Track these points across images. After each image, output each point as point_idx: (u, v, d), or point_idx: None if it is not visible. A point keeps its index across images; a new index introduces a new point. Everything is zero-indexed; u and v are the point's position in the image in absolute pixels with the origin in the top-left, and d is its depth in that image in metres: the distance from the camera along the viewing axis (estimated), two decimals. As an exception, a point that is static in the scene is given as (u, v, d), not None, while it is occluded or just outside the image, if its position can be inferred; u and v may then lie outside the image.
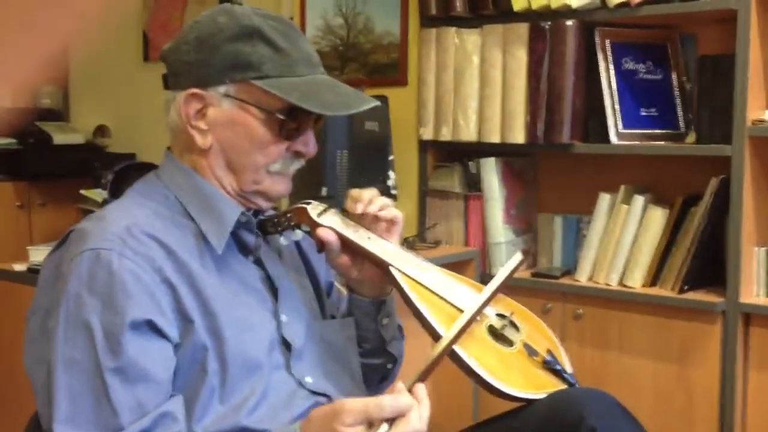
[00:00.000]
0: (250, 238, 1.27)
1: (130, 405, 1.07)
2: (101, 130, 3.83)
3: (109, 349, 1.07)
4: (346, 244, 1.29)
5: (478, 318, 1.29)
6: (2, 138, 3.53)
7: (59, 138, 3.63)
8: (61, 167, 3.55)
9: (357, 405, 1.03)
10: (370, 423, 1.03)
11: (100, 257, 1.10)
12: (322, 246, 1.29)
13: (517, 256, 1.38)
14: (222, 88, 1.19)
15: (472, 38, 2.57)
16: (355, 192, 1.32)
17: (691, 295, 2.30)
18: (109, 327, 1.08)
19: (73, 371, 1.07)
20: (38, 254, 2.09)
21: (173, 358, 1.13)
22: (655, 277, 2.37)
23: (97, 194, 2.42)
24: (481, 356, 1.23)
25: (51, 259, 1.19)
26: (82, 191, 2.53)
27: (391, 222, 1.32)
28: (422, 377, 1.11)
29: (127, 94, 3.72)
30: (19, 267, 2.06)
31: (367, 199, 1.30)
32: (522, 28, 2.47)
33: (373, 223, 1.31)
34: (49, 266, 1.18)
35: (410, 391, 1.07)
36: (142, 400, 1.07)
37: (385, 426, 1.02)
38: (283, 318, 1.25)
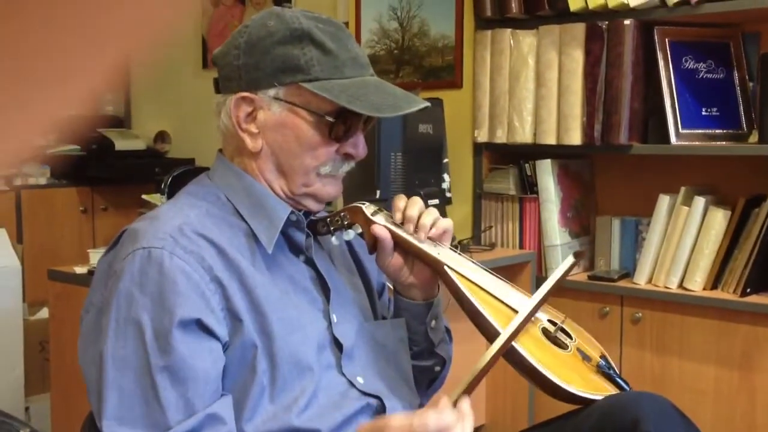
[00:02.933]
0: (301, 238, 1.27)
1: (178, 404, 1.08)
2: (161, 136, 3.91)
3: (158, 347, 1.08)
4: (399, 244, 1.29)
5: (532, 320, 1.28)
6: (66, 145, 3.63)
7: (121, 144, 3.71)
8: (123, 173, 3.63)
9: (401, 423, 1.05)
10: None
11: (151, 256, 1.12)
12: (374, 245, 1.29)
13: (569, 259, 1.36)
14: (272, 91, 1.19)
15: (527, 39, 2.55)
16: (400, 201, 1.31)
17: (753, 299, 2.24)
18: (159, 325, 1.09)
19: (123, 369, 1.09)
20: (98, 257, 2.13)
21: (222, 357, 1.13)
22: (716, 280, 2.32)
23: (159, 199, 2.46)
24: (539, 354, 1.23)
25: (105, 258, 1.21)
26: (144, 196, 2.58)
27: (445, 232, 1.31)
28: (468, 390, 1.11)
29: (186, 101, 3.79)
30: (80, 269, 2.11)
31: (416, 219, 1.28)
32: (578, 29, 2.44)
33: (430, 236, 1.30)
34: (102, 265, 1.20)
35: (455, 404, 1.08)
36: (190, 400, 1.08)
37: None
38: (334, 318, 1.25)
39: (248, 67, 1.20)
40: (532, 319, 1.28)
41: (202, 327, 1.11)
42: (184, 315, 1.09)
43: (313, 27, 1.19)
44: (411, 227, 1.28)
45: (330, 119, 1.20)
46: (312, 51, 1.18)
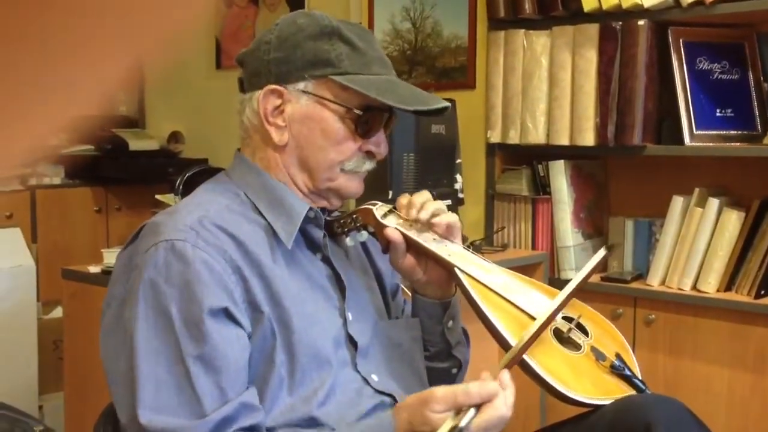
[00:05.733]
0: (319, 235, 1.28)
1: (212, 392, 1.09)
2: (175, 137, 3.92)
3: (190, 336, 1.10)
4: (411, 245, 1.29)
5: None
6: (80, 145, 3.64)
7: (135, 144, 3.72)
8: (136, 173, 3.64)
9: (446, 393, 1.08)
10: (458, 410, 1.07)
11: (174, 247, 1.13)
12: (387, 246, 1.30)
13: (600, 252, 1.36)
14: (301, 84, 1.22)
15: (540, 40, 2.54)
16: (403, 200, 1.32)
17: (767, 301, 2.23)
18: (188, 315, 1.10)
19: (156, 359, 1.10)
20: (112, 256, 2.14)
21: (248, 346, 1.15)
22: (730, 281, 2.31)
23: (172, 199, 2.47)
24: (546, 360, 1.22)
25: (124, 253, 1.22)
26: (157, 196, 2.58)
27: (448, 226, 1.31)
28: (508, 365, 1.14)
29: (200, 101, 3.80)
30: (94, 269, 2.12)
31: (419, 204, 1.29)
32: (592, 29, 2.43)
33: (430, 226, 1.30)
34: (122, 259, 1.21)
35: (495, 378, 1.11)
36: (223, 388, 1.10)
37: (472, 411, 1.06)
38: (349, 316, 1.26)
39: (278, 61, 1.22)
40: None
41: (229, 316, 1.13)
42: (212, 304, 1.11)
43: (342, 26, 1.23)
44: (414, 212, 1.28)
45: (358, 112, 1.22)
46: (341, 47, 1.21)
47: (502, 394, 1.09)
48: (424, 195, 1.31)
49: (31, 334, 2.76)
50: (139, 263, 1.15)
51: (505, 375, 1.12)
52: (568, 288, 1.29)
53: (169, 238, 1.14)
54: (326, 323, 1.22)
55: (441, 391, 1.08)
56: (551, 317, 1.23)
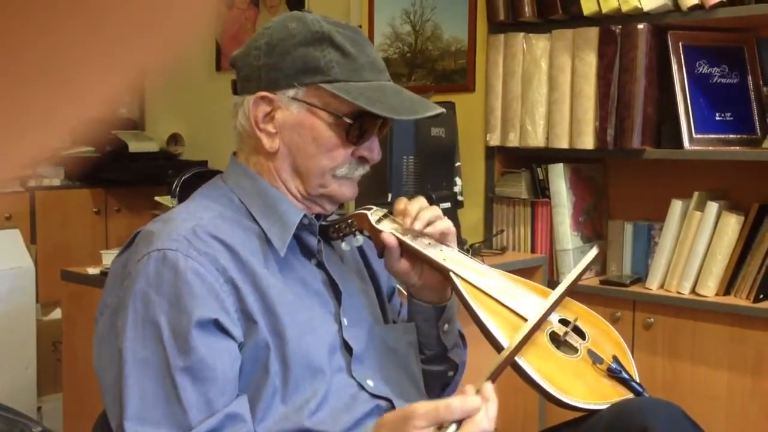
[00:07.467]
0: (313, 241, 1.28)
1: (198, 404, 1.09)
2: (175, 139, 3.93)
3: (177, 348, 1.09)
4: (406, 249, 1.29)
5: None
6: (81, 146, 3.65)
7: (135, 146, 3.72)
8: (136, 174, 3.64)
9: (428, 409, 1.05)
10: (440, 425, 1.05)
11: (166, 257, 1.12)
12: (382, 250, 1.30)
13: (592, 252, 1.36)
14: (291, 92, 1.21)
15: (540, 43, 2.55)
16: (400, 205, 1.30)
17: (766, 305, 2.22)
18: (177, 326, 1.10)
19: (143, 370, 1.10)
20: (111, 258, 2.13)
21: (239, 357, 1.14)
22: (729, 285, 2.31)
23: (171, 201, 2.48)
24: (541, 365, 1.22)
25: (118, 260, 1.22)
26: (157, 198, 2.59)
27: (441, 233, 1.30)
28: (492, 378, 1.12)
29: (200, 103, 3.80)
30: (93, 270, 2.12)
31: (414, 214, 1.28)
32: (592, 32, 2.44)
33: (426, 233, 1.30)
34: (116, 267, 1.21)
35: (478, 391, 1.09)
36: (210, 399, 1.10)
37: (453, 427, 1.05)
38: (345, 321, 1.26)
39: (268, 68, 1.21)
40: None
41: (219, 327, 1.12)
42: (201, 315, 1.10)
43: (333, 31, 1.21)
44: (408, 221, 1.27)
45: (348, 120, 1.21)
46: (332, 53, 1.20)
47: (484, 408, 1.07)
48: (419, 202, 1.30)
49: (30, 336, 2.76)
50: (131, 272, 1.15)
51: (488, 388, 1.09)
52: (545, 305, 1.27)
53: (161, 248, 1.13)
54: (320, 330, 1.22)
55: (423, 407, 1.06)
56: (533, 330, 1.21)
